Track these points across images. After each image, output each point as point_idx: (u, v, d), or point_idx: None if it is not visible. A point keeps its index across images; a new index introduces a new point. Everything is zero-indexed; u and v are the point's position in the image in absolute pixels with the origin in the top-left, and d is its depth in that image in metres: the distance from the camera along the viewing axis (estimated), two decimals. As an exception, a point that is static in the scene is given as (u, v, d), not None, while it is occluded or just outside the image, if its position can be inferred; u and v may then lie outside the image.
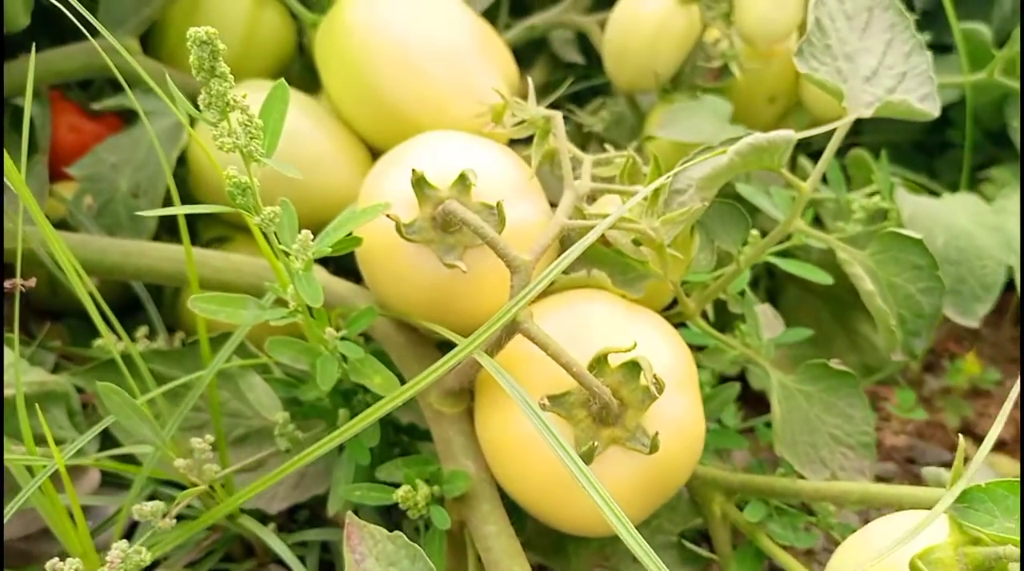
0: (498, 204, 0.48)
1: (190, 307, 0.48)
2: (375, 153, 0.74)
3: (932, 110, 0.55)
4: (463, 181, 0.49)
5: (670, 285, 0.52)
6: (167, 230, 0.74)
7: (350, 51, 0.69)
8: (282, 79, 0.46)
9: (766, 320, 0.56)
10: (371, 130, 0.72)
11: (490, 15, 0.92)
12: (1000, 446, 0.85)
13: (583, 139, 0.88)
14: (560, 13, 0.91)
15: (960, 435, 0.42)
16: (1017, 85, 0.89)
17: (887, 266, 0.55)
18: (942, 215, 0.69)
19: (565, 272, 0.51)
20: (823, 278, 0.62)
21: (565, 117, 0.92)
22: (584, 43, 1.09)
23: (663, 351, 0.48)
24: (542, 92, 1.06)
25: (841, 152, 1.16)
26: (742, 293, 0.60)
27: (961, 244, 0.69)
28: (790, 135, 0.52)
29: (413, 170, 0.48)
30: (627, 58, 0.83)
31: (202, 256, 0.62)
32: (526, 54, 0.98)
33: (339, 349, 0.51)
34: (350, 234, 0.46)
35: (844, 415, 0.55)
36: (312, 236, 0.45)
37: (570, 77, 1.16)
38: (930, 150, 1.19)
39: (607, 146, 0.63)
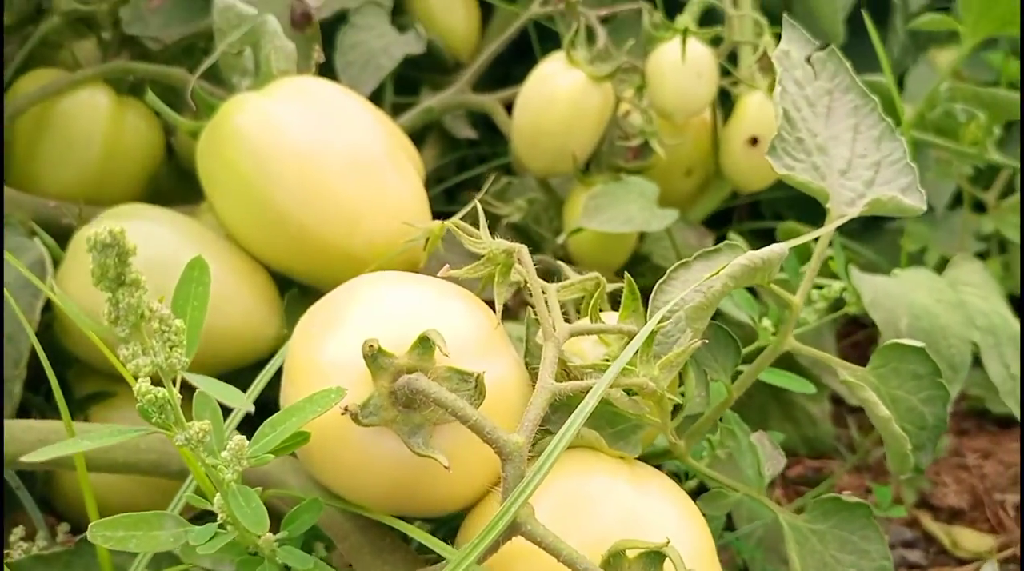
0: (477, 377, 0.39)
1: (90, 539, 0.37)
2: (276, 276, 0.64)
3: (918, 204, 0.50)
4: (424, 344, 0.40)
5: (664, 431, 0.45)
6: (31, 386, 0.62)
7: (240, 163, 0.60)
8: (199, 257, 0.36)
9: (766, 452, 0.49)
10: (270, 251, 0.62)
11: (375, 97, 0.84)
12: (957, 515, 0.82)
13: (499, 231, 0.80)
14: (457, 94, 0.84)
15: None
16: (927, 138, 0.87)
17: (889, 380, 0.50)
18: (902, 295, 0.65)
19: (547, 431, 0.43)
20: (809, 389, 0.57)
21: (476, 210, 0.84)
22: (475, 117, 1.02)
23: (682, 531, 0.40)
24: (435, 175, 0.99)
25: (751, 211, 1.14)
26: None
27: (925, 325, 0.64)
28: (783, 249, 0.45)
29: (366, 342, 0.39)
30: (541, 141, 0.76)
31: (85, 431, 0.51)
32: (415, 132, 0.90)
33: (278, 556, 0.41)
34: (298, 432, 0.37)
35: (859, 550, 0.49)
36: (246, 440, 0.35)
37: (463, 154, 1.09)
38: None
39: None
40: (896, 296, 0.65)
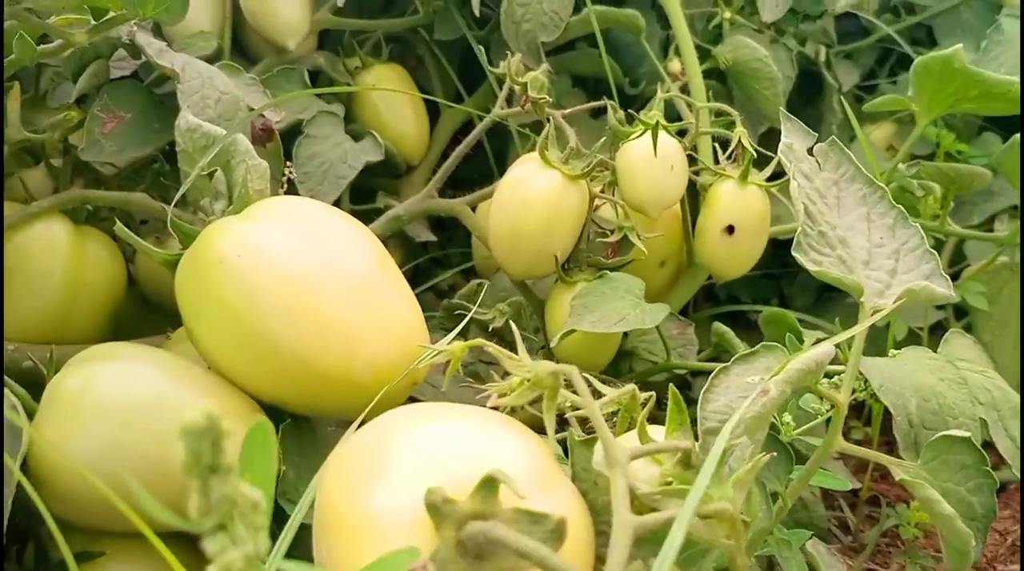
0: (559, 521, 0.36)
1: None
2: (268, 409, 0.60)
3: (947, 290, 0.49)
4: (488, 486, 0.37)
5: (739, 553, 0.42)
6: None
7: (227, 293, 0.56)
8: (263, 423, 0.33)
9: (823, 558, 0.47)
10: (263, 383, 0.58)
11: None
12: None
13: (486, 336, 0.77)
14: (424, 199, 0.81)
15: None
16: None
17: (939, 473, 0.48)
18: (907, 377, 0.64)
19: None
20: (845, 485, 0.55)
21: (454, 313, 0.82)
22: (432, 220, 1.01)
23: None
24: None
25: (707, 296, 1.14)
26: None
27: (934, 406, 0.64)
28: (831, 350, 0.44)
29: (431, 490, 0.35)
30: (521, 244, 0.74)
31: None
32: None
33: None
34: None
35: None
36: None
37: (425, 257, 1.07)
38: (778, 277, 1.19)
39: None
40: (901, 378, 0.64)
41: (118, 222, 0.60)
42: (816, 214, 0.50)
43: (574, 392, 0.44)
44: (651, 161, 0.75)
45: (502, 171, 1.09)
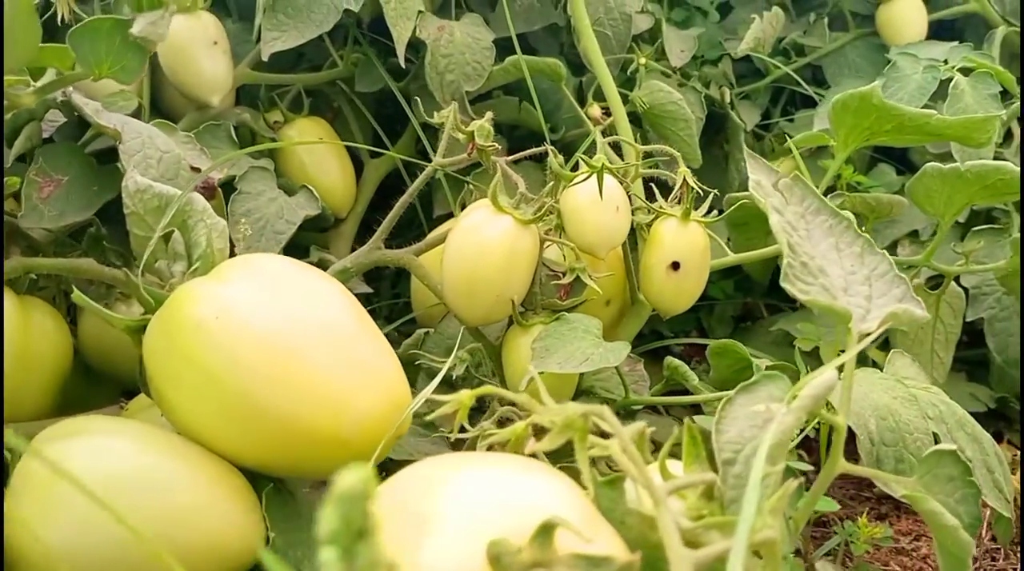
0: (626, 565, 0.36)
1: None
2: (246, 473, 0.58)
3: (922, 311, 0.52)
4: (545, 533, 0.37)
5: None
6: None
7: (204, 359, 0.54)
8: (367, 472, 0.31)
9: (834, 579, 0.48)
10: (245, 448, 0.56)
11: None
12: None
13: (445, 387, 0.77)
14: (371, 251, 0.81)
15: None
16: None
17: (932, 487, 0.51)
18: (863, 397, 0.68)
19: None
20: (833, 506, 0.57)
21: (414, 364, 0.81)
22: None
23: None
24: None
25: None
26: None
27: (891, 424, 0.67)
28: (835, 378, 0.46)
29: (493, 542, 0.35)
30: (478, 290, 0.74)
31: None
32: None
33: None
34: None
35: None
36: None
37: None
38: (696, 309, 1.22)
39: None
40: (859, 399, 0.68)
41: (76, 290, 0.57)
42: (795, 246, 0.52)
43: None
44: (597, 203, 0.76)
45: (428, 217, 1.10)
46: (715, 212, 0.83)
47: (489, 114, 0.79)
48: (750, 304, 1.26)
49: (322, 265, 0.91)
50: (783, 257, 0.52)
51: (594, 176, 0.76)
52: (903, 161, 1.18)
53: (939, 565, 0.51)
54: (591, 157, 0.77)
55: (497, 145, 0.77)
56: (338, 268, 0.80)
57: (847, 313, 0.50)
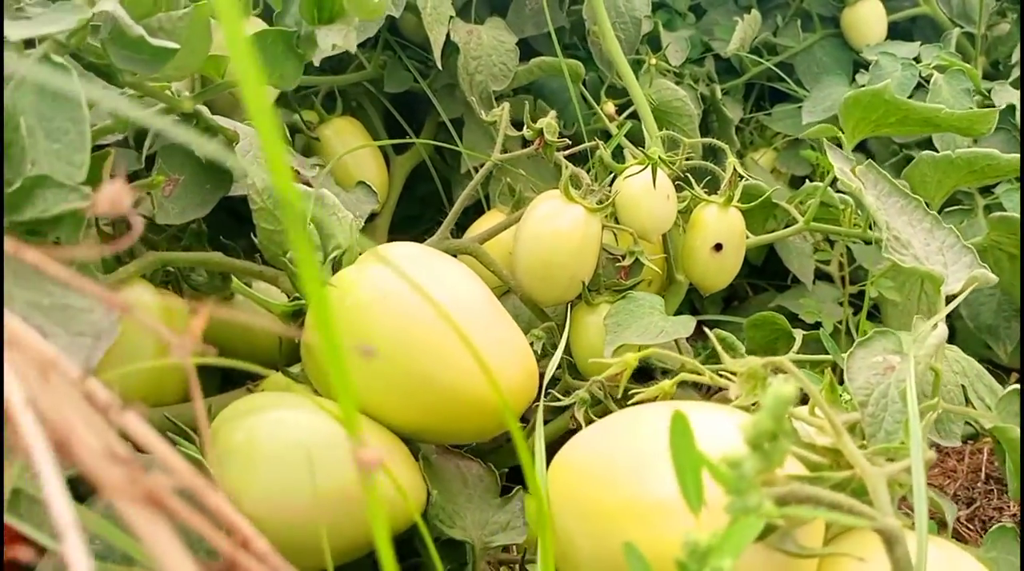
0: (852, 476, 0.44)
1: None
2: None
3: (992, 276, 0.62)
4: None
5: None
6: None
7: (377, 334, 0.60)
8: (679, 412, 0.38)
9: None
10: (409, 418, 0.62)
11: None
12: None
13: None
14: (440, 241, 0.87)
15: None
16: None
17: (1008, 421, 0.60)
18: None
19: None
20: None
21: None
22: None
23: None
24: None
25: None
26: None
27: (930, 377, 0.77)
28: (945, 331, 0.55)
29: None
30: (554, 273, 0.82)
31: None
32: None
33: None
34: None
35: None
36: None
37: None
38: (690, 289, 1.32)
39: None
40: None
41: (235, 280, 0.62)
42: (888, 222, 0.61)
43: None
44: (650, 192, 0.84)
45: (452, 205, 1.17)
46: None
47: (552, 113, 0.86)
48: (735, 285, 1.37)
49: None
50: (881, 233, 0.61)
51: (646, 166, 0.84)
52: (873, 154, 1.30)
53: (1010, 488, 0.61)
54: (611, 149, 0.86)
55: (567, 140, 0.84)
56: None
57: (941, 277, 0.59)
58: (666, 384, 0.56)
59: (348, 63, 1.11)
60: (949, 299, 0.60)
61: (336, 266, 0.66)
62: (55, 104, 0.43)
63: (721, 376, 0.57)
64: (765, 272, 1.30)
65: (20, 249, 0.29)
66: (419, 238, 0.88)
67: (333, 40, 0.55)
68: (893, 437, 0.52)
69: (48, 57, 0.43)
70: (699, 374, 0.53)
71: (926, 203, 1.03)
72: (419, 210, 1.25)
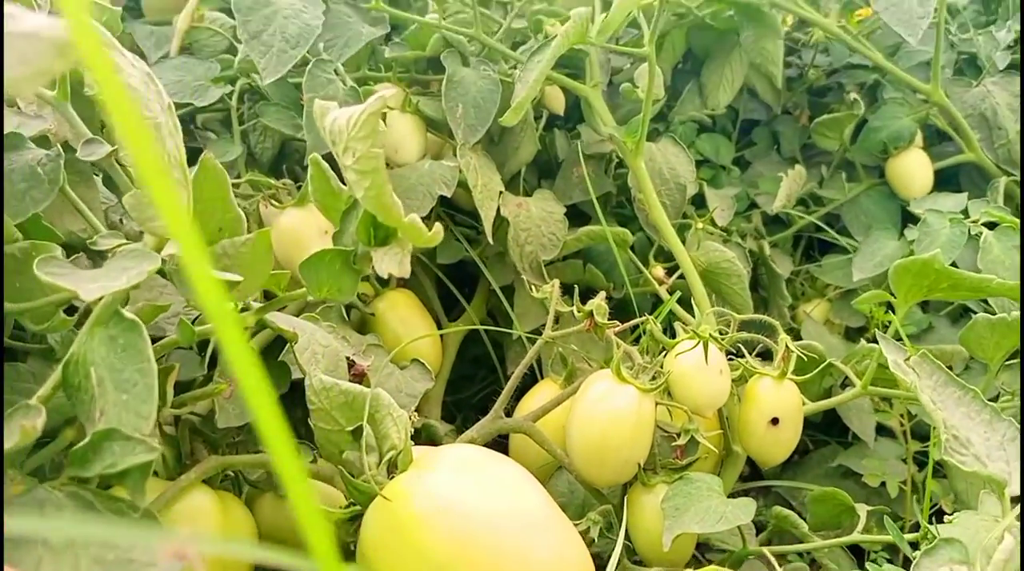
0: None
1: None
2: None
3: (1058, 475, 0.61)
4: None
5: None
6: None
7: (432, 546, 0.60)
8: None
9: None
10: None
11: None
12: None
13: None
14: (492, 421, 0.87)
15: None
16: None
17: None
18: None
19: None
20: None
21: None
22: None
23: None
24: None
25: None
26: None
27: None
28: (1014, 547, 0.53)
29: None
30: (609, 456, 0.81)
31: None
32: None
33: None
34: None
35: None
36: None
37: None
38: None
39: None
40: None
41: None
42: (946, 421, 0.61)
43: None
44: (703, 368, 0.84)
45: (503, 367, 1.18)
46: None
47: (602, 294, 0.87)
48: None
49: (429, 433, 0.98)
50: (940, 432, 0.60)
51: (697, 344, 0.84)
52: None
53: None
54: (661, 317, 0.87)
55: (617, 322, 0.85)
56: (465, 439, 0.86)
57: (1004, 481, 0.58)
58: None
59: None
60: (1015, 500, 0.58)
61: (391, 468, 0.67)
62: (124, 355, 0.45)
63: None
64: (824, 426, 1.28)
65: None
66: (473, 401, 0.89)
67: (389, 269, 0.57)
68: None
69: (119, 313, 0.46)
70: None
71: (984, 365, 1.03)
72: (472, 370, 1.26)
